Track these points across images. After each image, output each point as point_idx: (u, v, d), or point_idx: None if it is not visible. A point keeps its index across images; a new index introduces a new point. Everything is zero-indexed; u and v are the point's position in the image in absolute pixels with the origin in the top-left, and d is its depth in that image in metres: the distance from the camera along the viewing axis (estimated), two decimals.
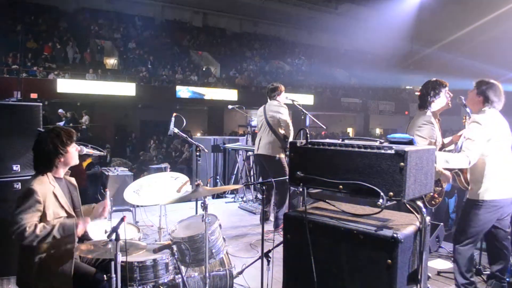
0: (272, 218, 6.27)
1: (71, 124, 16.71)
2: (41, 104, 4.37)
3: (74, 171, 3.16)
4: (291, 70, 29.82)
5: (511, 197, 3.51)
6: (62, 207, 2.83)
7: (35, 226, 2.64)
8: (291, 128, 6.01)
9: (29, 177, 3.00)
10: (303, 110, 6.22)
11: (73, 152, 2.93)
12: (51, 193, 2.78)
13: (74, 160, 2.96)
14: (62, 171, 2.94)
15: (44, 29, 21.55)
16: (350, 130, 31.90)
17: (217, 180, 8.79)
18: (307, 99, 25.20)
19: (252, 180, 8.30)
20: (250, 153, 8.33)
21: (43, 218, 2.72)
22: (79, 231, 2.76)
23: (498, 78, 3.70)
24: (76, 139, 2.98)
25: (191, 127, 21.67)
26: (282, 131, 6.00)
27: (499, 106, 3.58)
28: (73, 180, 3.10)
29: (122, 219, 2.54)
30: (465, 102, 3.77)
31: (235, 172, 8.74)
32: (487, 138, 3.40)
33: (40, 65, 19.26)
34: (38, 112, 4.22)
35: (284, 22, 32.07)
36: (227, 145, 8.83)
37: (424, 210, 2.34)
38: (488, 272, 3.87)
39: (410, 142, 2.29)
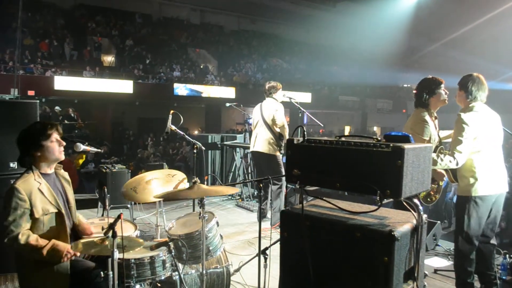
0: (269, 215, 6.28)
1: (65, 121, 16.64)
2: (38, 101, 4.38)
3: (65, 170, 3.12)
4: (289, 68, 29.78)
5: (498, 192, 3.52)
6: (51, 203, 2.80)
7: (28, 236, 2.64)
8: (286, 126, 6.05)
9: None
10: (300, 108, 6.23)
11: (51, 146, 2.83)
12: (37, 189, 2.74)
13: (54, 155, 2.86)
14: (46, 167, 2.88)
15: (41, 26, 21.44)
16: (347, 128, 31.87)
17: (216, 177, 8.79)
18: (304, 97, 25.17)
19: (250, 178, 8.29)
20: (247, 150, 8.32)
21: (31, 215, 2.70)
22: (65, 260, 2.74)
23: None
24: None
25: (188, 125, 21.64)
26: (277, 129, 6.03)
27: (483, 97, 3.56)
28: (66, 174, 3.06)
29: (119, 216, 2.54)
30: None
31: (232, 170, 8.73)
32: (473, 136, 3.40)
33: (37, 62, 19.17)
34: (35, 109, 4.22)
35: (282, 19, 32.00)
36: (225, 142, 8.82)
37: (421, 207, 2.35)
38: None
39: (407, 140, 2.29)
